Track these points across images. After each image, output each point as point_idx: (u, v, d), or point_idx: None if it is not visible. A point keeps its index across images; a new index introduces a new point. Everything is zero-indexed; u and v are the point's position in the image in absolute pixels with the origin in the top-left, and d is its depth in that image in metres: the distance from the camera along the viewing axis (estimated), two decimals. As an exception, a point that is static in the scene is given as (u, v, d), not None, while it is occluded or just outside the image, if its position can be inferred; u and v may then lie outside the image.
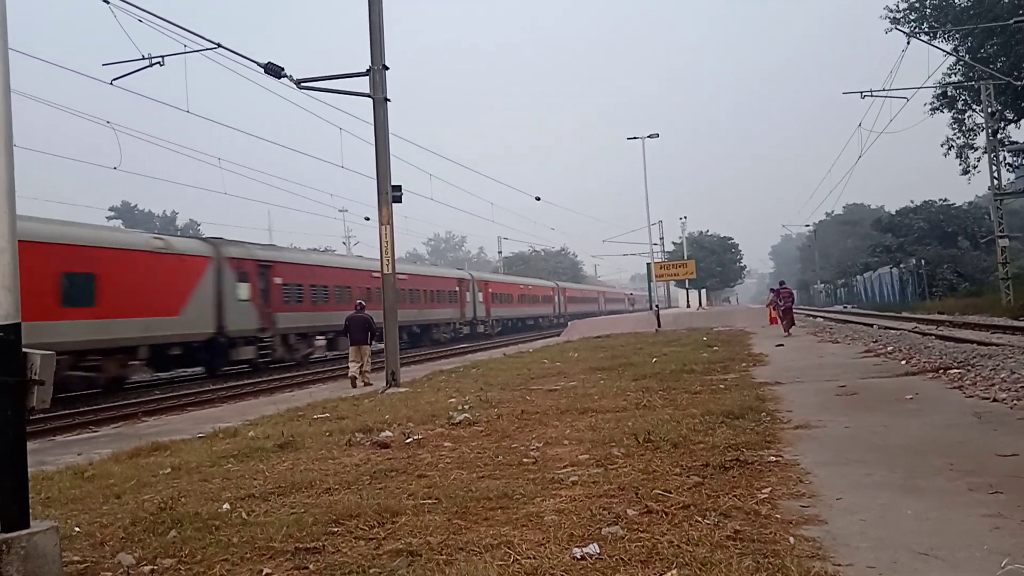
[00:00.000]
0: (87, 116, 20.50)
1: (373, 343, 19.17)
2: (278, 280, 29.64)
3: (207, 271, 25.48)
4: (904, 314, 38.47)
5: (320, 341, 33.82)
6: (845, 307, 66.14)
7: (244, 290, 27.21)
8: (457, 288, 47.54)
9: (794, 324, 28.08)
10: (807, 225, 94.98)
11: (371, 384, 17.88)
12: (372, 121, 16.42)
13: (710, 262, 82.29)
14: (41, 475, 7.65)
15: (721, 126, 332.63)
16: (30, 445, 4.65)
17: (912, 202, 65.55)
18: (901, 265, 54.70)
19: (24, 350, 4.32)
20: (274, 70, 15.75)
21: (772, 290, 36.58)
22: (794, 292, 30.35)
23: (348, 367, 19.12)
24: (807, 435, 7.45)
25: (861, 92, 30.44)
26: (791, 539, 4.25)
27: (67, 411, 17.03)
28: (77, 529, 5.40)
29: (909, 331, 24.12)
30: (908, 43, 28.70)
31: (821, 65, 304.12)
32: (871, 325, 29.99)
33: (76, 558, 4.70)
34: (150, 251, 22.92)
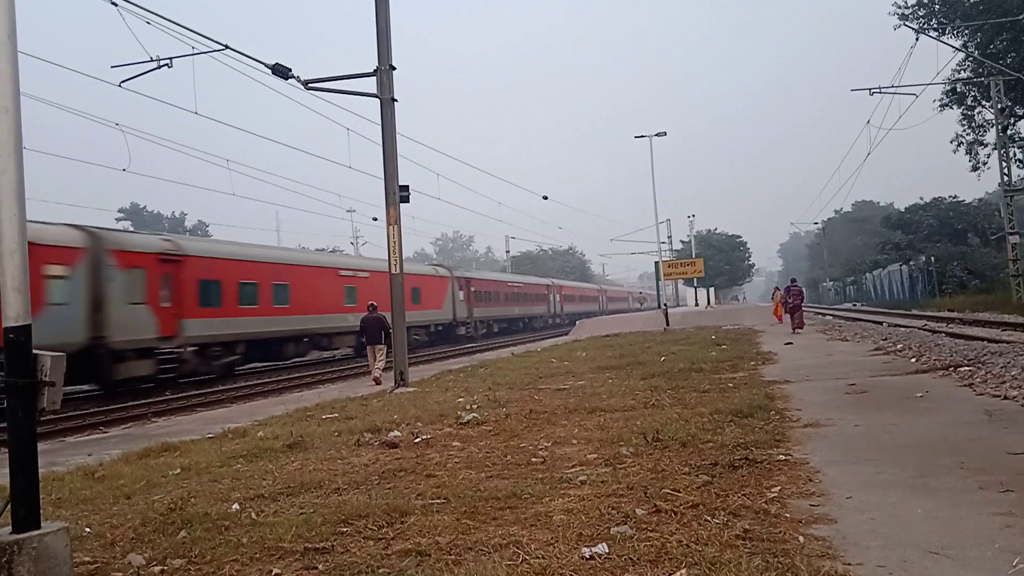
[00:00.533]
0: (96, 118, 20.62)
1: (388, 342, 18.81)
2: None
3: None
4: (914, 312, 38.31)
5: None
6: (854, 305, 65.90)
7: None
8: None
9: (803, 324, 28.09)
10: (816, 223, 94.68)
11: (381, 383, 18.10)
12: (379, 121, 16.45)
13: (718, 260, 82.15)
14: (52, 476, 7.69)
15: (729, 124, 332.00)
16: (41, 446, 4.68)
17: (921, 199, 65.29)
18: (910, 262, 54.45)
19: (35, 352, 4.35)
20: (282, 71, 15.79)
21: (777, 288, 36.65)
22: (804, 290, 30.22)
23: (370, 367, 19.62)
24: (816, 434, 7.42)
25: (870, 89, 30.36)
26: (801, 538, 4.24)
27: (77, 412, 17.11)
28: (88, 530, 5.43)
29: (919, 329, 24.01)
30: (917, 39, 28.62)
31: (829, 62, 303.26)
32: (880, 323, 29.86)
33: (87, 558, 4.72)
34: None
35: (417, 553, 4.39)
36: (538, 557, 4.17)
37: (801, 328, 27.37)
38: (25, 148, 4.58)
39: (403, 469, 6.83)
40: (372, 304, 20.22)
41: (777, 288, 37.60)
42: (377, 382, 18.47)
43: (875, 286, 67.60)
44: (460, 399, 12.08)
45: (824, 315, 45.68)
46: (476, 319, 47.85)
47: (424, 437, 8.41)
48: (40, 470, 4.52)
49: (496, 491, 5.70)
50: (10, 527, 4.25)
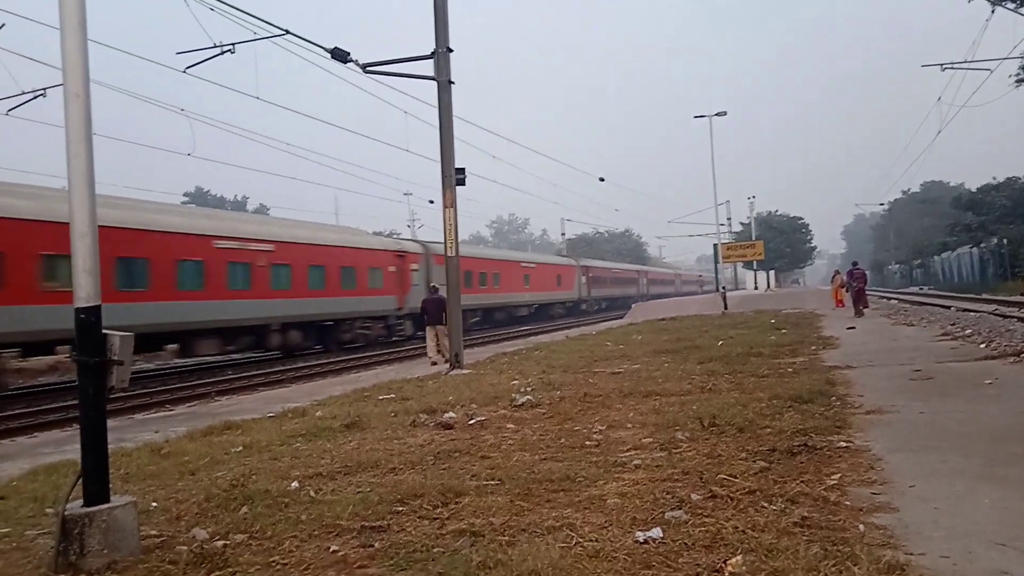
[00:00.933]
0: (162, 104, 21.15)
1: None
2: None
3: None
4: (984, 296, 36.97)
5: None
6: (921, 288, 63.97)
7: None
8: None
9: (867, 306, 27.59)
10: (882, 204, 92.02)
11: (438, 364, 18.38)
12: (436, 104, 16.50)
13: (779, 243, 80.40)
14: (120, 452, 7.97)
15: (792, 102, 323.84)
16: (111, 423, 4.85)
17: (994, 179, 62.62)
18: (981, 245, 52.51)
19: (104, 331, 4.50)
20: (340, 55, 15.93)
21: (838, 271, 35.90)
22: (867, 273, 29.66)
23: (427, 347, 20.17)
24: (879, 420, 7.25)
25: (941, 64, 29.16)
26: (861, 527, 4.16)
27: (144, 390, 17.70)
28: (154, 504, 5.61)
29: (989, 313, 23.15)
30: (992, 12, 27.37)
31: (898, 38, 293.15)
32: (948, 307, 28.90)
33: (153, 532, 4.88)
34: None
35: (471, 533, 4.43)
36: (591, 540, 4.17)
37: (864, 312, 26.86)
38: (95, 134, 4.72)
39: (458, 450, 6.89)
40: (434, 286, 20.61)
41: (837, 271, 37.00)
42: (433, 363, 18.79)
43: (943, 269, 65.46)
44: (514, 381, 12.13)
45: (889, 299, 44.47)
46: (592, 298, 59.89)
47: (479, 419, 8.47)
48: (109, 446, 4.69)
49: (550, 473, 5.71)
50: (81, 500, 4.43)
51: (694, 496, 4.90)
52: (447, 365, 16.51)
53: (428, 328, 19.83)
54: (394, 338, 32.13)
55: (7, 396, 17.89)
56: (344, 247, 29.46)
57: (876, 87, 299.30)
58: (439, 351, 19.26)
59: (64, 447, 9.27)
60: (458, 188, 16.53)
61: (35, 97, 17.30)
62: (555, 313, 52.45)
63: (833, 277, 35.86)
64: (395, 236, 52.78)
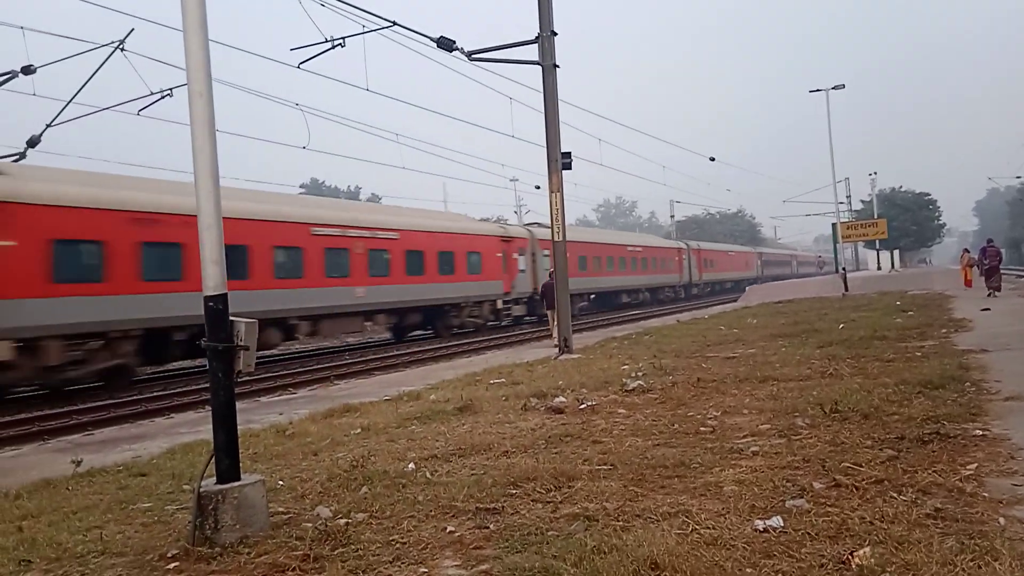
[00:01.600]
0: (278, 99, 21.91)
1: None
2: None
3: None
4: None
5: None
6: (1064, 266, 59.40)
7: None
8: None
9: (999, 287, 26.07)
10: (1018, 177, 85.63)
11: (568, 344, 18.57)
12: (541, 88, 16.47)
13: (903, 220, 76.21)
14: (248, 432, 8.37)
15: (915, 69, 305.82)
16: (239, 405, 5.09)
17: None
18: None
19: (231, 318, 4.72)
20: (446, 43, 16.12)
21: (967, 250, 34.07)
22: (1002, 251, 27.89)
23: (551, 329, 20.93)
24: (1019, 408, 6.79)
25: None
26: (1001, 520, 3.91)
27: (269, 374, 18.56)
28: (280, 483, 5.88)
29: None
30: None
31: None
32: (1097, 286, 26.73)
33: (280, 509, 5.11)
34: None
35: (585, 517, 4.43)
36: (708, 527, 4.09)
37: (998, 292, 25.39)
38: (217, 130, 4.95)
39: (569, 435, 6.89)
40: (550, 271, 20.68)
41: (966, 250, 35.26)
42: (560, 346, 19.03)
43: (1090, 245, 60.54)
44: (625, 366, 12.02)
45: (1027, 278, 41.53)
46: (703, 282, 59.78)
47: (589, 403, 8.43)
48: (238, 427, 4.93)
49: (663, 459, 5.64)
50: (215, 478, 4.68)
51: (816, 485, 4.72)
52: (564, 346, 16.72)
53: (549, 311, 20.94)
54: (503, 323, 32.98)
55: (144, 380, 19.14)
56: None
57: (1008, 49, 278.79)
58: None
59: (198, 427, 9.83)
60: (564, 172, 16.47)
61: (162, 97, 18.29)
62: (664, 297, 50.89)
63: (962, 256, 33.90)
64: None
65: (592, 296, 41.93)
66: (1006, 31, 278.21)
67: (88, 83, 17.14)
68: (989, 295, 24.63)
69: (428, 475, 5.72)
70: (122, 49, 16.52)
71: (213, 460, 4.72)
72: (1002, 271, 26.82)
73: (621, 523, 4.28)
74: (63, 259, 15.62)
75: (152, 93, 18.20)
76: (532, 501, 4.89)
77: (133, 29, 16.49)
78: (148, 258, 17.29)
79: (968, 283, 31.00)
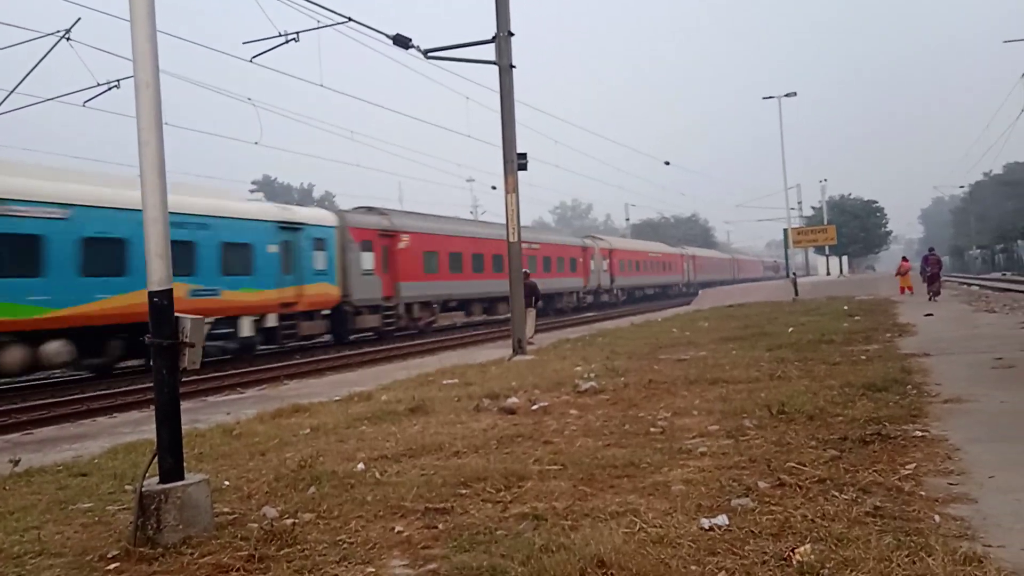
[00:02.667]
0: (229, 93, 21.54)
1: (538, 305, 22.21)
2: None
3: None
4: (1072, 282, 35.27)
5: None
6: (1004, 274, 61.39)
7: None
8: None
9: (939, 292, 27.89)
10: (962, 186, 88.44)
11: (533, 343, 18.94)
12: (498, 89, 16.47)
13: (852, 227, 78.08)
14: (194, 432, 8.22)
15: (864, 81, 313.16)
16: (184, 404, 5.01)
17: (1084, 159, 59.67)
18: (1070, 228, 50.09)
19: (176, 314, 4.63)
20: (402, 41, 16.01)
21: (905, 258, 35.72)
22: (942, 259, 29.54)
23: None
24: (958, 410, 6.99)
25: (1025, 39, 27.80)
26: (937, 517, 4.02)
27: (217, 373, 18.23)
28: (226, 483, 5.78)
29: (1078, 300, 22.11)
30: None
31: (975, 13, 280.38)
32: (1033, 293, 27.69)
33: (226, 509, 5.03)
34: None
35: (534, 517, 4.44)
36: (656, 526, 4.12)
37: (938, 295, 27.06)
38: (165, 123, 4.85)
39: (521, 435, 6.90)
40: (526, 271, 21.06)
41: (905, 258, 36.80)
42: (529, 342, 19.34)
43: (1028, 254, 62.68)
44: (578, 367, 12.08)
45: (969, 285, 42.81)
46: (695, 282, 63.34)
47: (542, 404, 8.46)
48: (184, 427, 4.84)
49: (613, 459, 5.68)
50: (158, 478, 4.58)
51: (761, 484, 4.80)
52: (532, 346, 17.47)
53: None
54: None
55: (87, 379, 18.66)
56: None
57: (955, 65, 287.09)
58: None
59: (142, 427, 9.62)
60: (520, 173, 16.48)
61: (109, 88, 17.83)
62: (562, 306, 42.41)
63: (900, 266, 35.42)
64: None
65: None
66: (948, 56, 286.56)
67: (31, 73, 16.65)
68: (930, 299, 25.77)
69: (377, 475, 5.68)
70: (68, 38, 16.09)
71: (156, 459, 4.62)
72: (944, 278, 28.05)
73: (570, 522, 4.30)
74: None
75: (98, 84, 17.76)
76: (482, 501, 4.89)
77: (80, 18, 16.08)
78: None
79: (903, 290, 32.13)
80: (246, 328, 21.54)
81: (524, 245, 42.23)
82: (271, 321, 22.53)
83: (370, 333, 27.77)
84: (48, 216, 16.42)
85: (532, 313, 20.62)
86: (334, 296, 24.96)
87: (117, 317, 17.40)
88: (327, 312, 25.04)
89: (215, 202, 21.13)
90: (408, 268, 28.73)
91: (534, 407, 8.34)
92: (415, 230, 29.87)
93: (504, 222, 16.62)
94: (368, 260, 26.55)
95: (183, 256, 17.91)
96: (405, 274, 28.44)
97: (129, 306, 17.01)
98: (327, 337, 26.43)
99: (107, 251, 17.53)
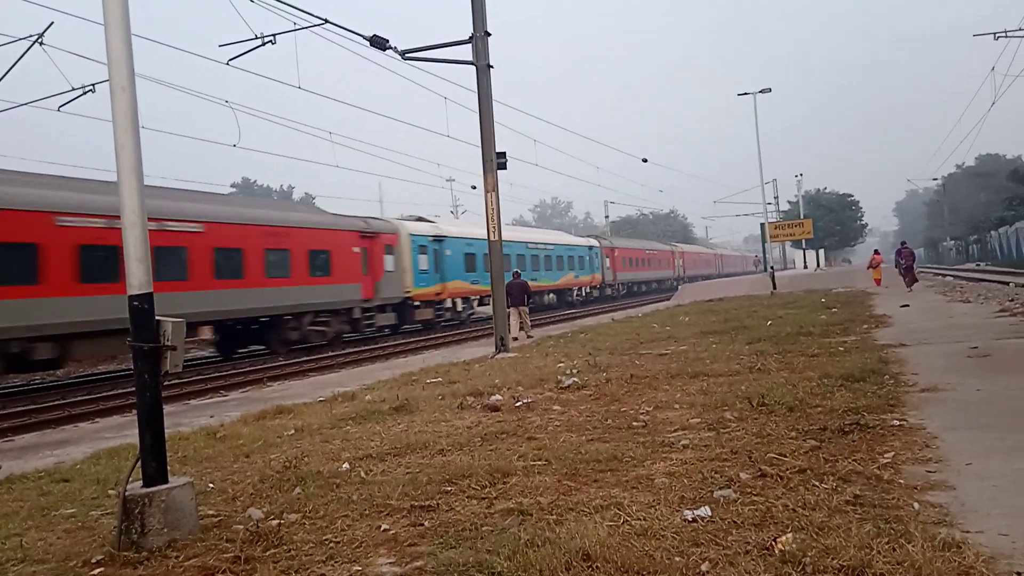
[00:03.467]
0: (207, 96, 21.42)
1: (531, 303, 23.96)
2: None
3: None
4: (1044, 271, 35.80)
5: None
6: (978, 265, 62.22)
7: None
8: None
9: (915, 281, 28.96)
10: (935, 179, 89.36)
11: (532, 336, 21.38)
12: (476, 89, 16.49)
13: (828, 221, 78.84)
14: (178, 435, 8.18)
15: (841, 77, 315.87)
16: (168, 408, 4.99)
17: (1054, 150, 60.52)
18: (1041, 218, 50.82)
19: (157, 318, 4.61)
20: (379, 42, 15.99)
21: (877, 251, 36.83)
22: (915, 252, 32.19)
23: (511, 327, 22.18)
24: (934, 398, 7.09)
25: (994, 33, 28.20)
26: (916, 505, 4.08)
27: (200, 376, 18.12)
28: (211, 485, 5.77)
29: (1050, 289, 22.46)
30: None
31: (948, 7, 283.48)
32: (1007, 283, 28.06)
33: (211, 512, 5.02)
34: None
35: (519, 512, 4.47)
36: (639, 519, 4.17)
37: (912, 288, 27.69)
38: (142, 127, 4.83)
39: (505, 432, 6.93)
40: (516, 271, 23.95)
41: (876, 251, 38.13)
42: (515, 339, 20.73)
43: (1001, 244, 63.57)
44: (560, 364, 12.13)
45: (944, 276, 43.34)
46: (684, 277, 67.05)
47: (525, 401, 8.50)
48: (167, 430, 4.83)
49: (597, 454, 5.72)
50: (141, 481, 4.57)
51: (743, 475, 4.86)
52: (530, 339, 19.59)
53: (512, 309, 21.71)
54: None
55: (68, 384, 18.48)
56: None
57: (926, 58, 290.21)
58: (521, 328, 21.84)
59: (124, 431, 9.55)
60: (500, 172, 16.52)
61: (84, 93, 17.68)
62: (573, 299, 46.60)
63: (872, 259, 36.40)
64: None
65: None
66: (921, 51, 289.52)
67: (4, 78, 16.46)
68: (910, 291, 26.44)
69: (363, 475, 5.68)
70: (41, 43, 15.92)
71: (139, 463, 4.60)
72: (919, 269, 28.72)
73: (554, 517, 4.33)
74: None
75: (73, 89, 17.59)
76: (467, 498, 4.91)
77: (52, 22, 15.92)
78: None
79: (878, 282, 32.70)
80: (574, 295, 46.01)
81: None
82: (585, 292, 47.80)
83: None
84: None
85: (525, 311, 22.38)
86: (597, 280, 49.40)
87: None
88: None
89: (563, 237, 46.97)
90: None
91: (518, 404, 8.38)
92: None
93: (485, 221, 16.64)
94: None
95: (551, 263, 42.86)
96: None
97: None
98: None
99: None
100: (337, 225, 26.47)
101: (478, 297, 34.76)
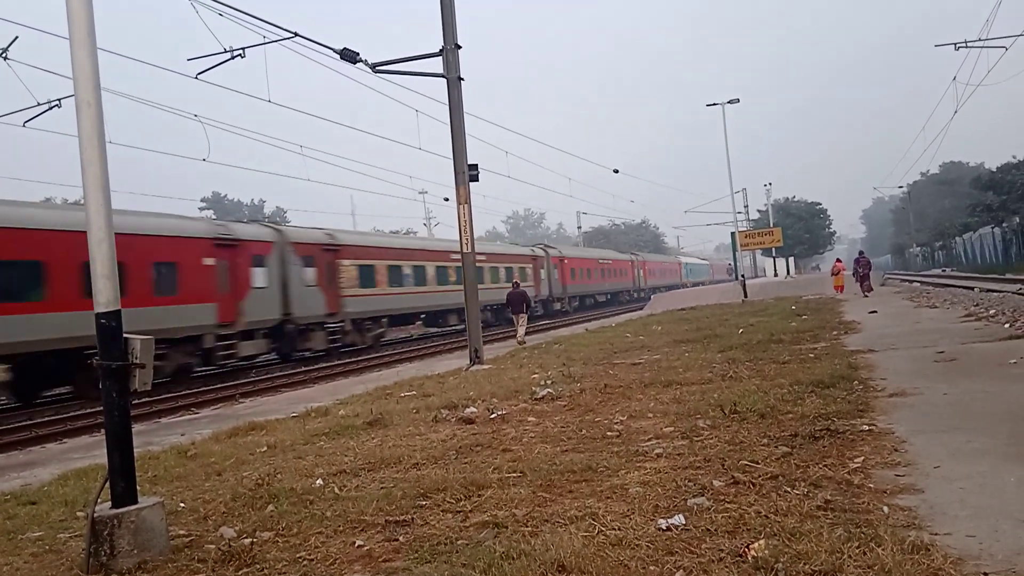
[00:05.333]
0: (175, 110, 21.24)
1: (529, 311, 25.06)
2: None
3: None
4: (1008, 276, 36.50)
5: None
6: (943, 270, 63.27)
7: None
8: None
9: (871, 289, 31.43)
10: (900, 186, 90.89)
11: (524, 343, 22.53)
12: (447, 101, 16.52)
13: (797, 229, 79.80)
14: (148, 454, 8.06)
15: (804, 86, 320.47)
16: (137, 427, 4.93)
17: (1015, 157, 61.66)
18: (1004, 224, 51.84)
19: (125, 335, 4.56)
20: (350, 55, 15.97)
21: (839, 259, 39.19)
22: (871, 260, 34.50)
23: (516, 331, 24.51)
24: (902, 403, 7.20)
25: (955, 44, 28.77)
26: (885, 508, 4.14)
27: (171, 394, 17.88)
28: (182, 505, 5.69)
29: (1013, 293, 22.86)
30: (1007, -12, 26.91)
31: (910, 18, 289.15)
32: (972, 288, 28.56)
33: (182, 531, 4.95)
34: None
35: (494, 525, 4.46)
36: (614, 528, 4.18)
37: (871, 291, 30.55)
38: (109, 142, 4.78)
39: (480, 444, 6.92)
40: (516, 282, 27.16)
41: (838, 260, 39.99)
42: (520, 343, 22.81)
43: (965, 250, 64.73)
44: (535, 375, 12.14)
45: (911, 282, 44.03)
46: (646, 288, 64.85)
47: (500, 413, 8.49)
48: (136, 449, 4.76)
49: (572, 464, 5.73)
50: (110, 502, 4.49)
51: (716, 483, 4.89)
52: (525, 344, 21.01)
53: (514, 316, 24.57)
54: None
55: (35, 404, 18.13)
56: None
57: (890, 68, 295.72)
58: (518, 334, 23.90)
59: (93, 452, 9.39)
60: (472, 184, 16.55)
61: (50, 108, 17.48)
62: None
63: (834, 266, 37.88)
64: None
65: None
66: (885, 60, 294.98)
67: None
68: (864, 295, 28.84)
69: (337, 490, 5.64)
70: (5, 57, 15.71)
71: (108, 484, 4.53)
72: (886, 275, 30.17)
73: (530, 528, 4.33)
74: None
75: (39, 104, 17.37)
76: (442, 511, 4.89)
77: (17, 37, 15.71)
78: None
79: (839, 288, 33.71)
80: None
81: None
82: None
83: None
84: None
85: (524, 318, 24.26)
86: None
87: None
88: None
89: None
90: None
91: (492, 416, 8.37)
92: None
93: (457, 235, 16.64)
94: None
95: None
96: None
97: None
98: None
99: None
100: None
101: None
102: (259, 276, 23.60)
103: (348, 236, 30.52)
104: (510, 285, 42.31)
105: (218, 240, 22.21)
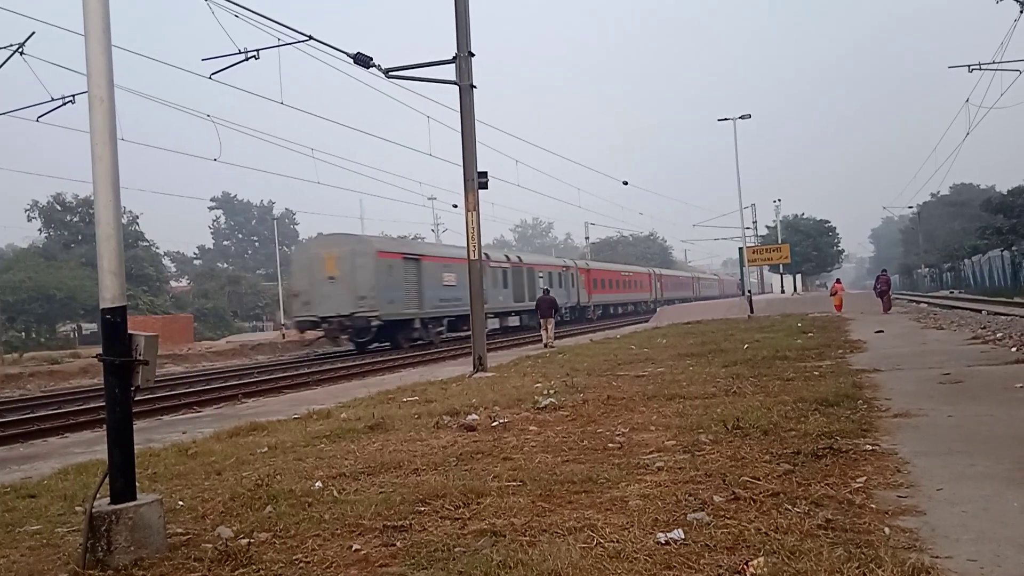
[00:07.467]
0: (188, 110, 21.35)
1: (557, 316, 27.93)
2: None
3: None
4: (1016, 299, 36.33)
5: None
6: (951, 292, 63.02)
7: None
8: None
9: (890, 307, 31.80)
10: (910, 207, 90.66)
11: (554, 346, 24.15)
12: (458, 108, 16.55)
13: (805, 246, 79.50)
14: (148, 452, 8.07)
15: (818, 105, 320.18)
16: (139, 424, 4.93)
17: (1026, 181, 61.61)
18: (1013, 248, 51.63)
19: (129, 332, 4.56)
20: (363, 60, 16.04)
21: (839, 280, 39.17)
22: (891, 278, 35.84)
23: (542, 335, 26.80)
24: (907, 424, 7.15)
25: (968, 66, 28.68)
26: (886, 529, 4.10)
27: (172, 392, 17.91)
28: (181, 503, 5.68)
29: (1021, 317, 22.78)
30: (1021, 12, 26.89)
31: (924, 39, 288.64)
32: (979, 311, 28.46)
33: (179, 530, 4.94)
34: None
35: (492, 533, 4.44)
36: (613, 541, 4.15)
37: (889, 309, 30.69)
38: (121, 139, 4.80)
39: (480, 452, 6.90)
40: (546, 288, 31.23)
41: (838, 280, 41.28)
42: (547, 346, 24.61)
43: (974, 272, 64.48)
44: (538, 384, 12.12)
45: (919, 303, 43.87)
46: (662, 299, 67.96)
47: (501, 421, 8.47)
48: (137, 446, 4.76)
49: (572, 475, 5.70)
50: (109, 498, 4.49)
51: (717, 498, 4.86)
52: (552, 347, 22.91)
53: (542, 320, 26.67)
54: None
55: (38, 398, 18.19)
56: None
57: (902, 89, 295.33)
58: (547, 338, 25.91)
59: (94, 447, 9.40)
60: (481, 192, 16.56)
61: (64, 103, 17.56)
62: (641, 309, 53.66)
63: (833, 286, 38.75)
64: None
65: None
66: (898, 81, 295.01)
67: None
68: (885, 313, 28.94)
69: (335, 493, 5.63)
70: (21, 53, 15.82)
71: (107, 479, 4.53)
72: (894, 295, 30.28)
73: (528, 538, 4.31)
74: None
75: (53, 99, 17.47)
76: (440, 518, 4.87)
77: (34, 32, 15.82)
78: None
79: (838, 308, 33.83)
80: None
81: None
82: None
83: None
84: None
85: (552, 323, 26.32)
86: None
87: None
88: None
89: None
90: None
91: (494, 424, 8.35)
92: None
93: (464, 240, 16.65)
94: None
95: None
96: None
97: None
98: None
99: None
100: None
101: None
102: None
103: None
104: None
105: None
